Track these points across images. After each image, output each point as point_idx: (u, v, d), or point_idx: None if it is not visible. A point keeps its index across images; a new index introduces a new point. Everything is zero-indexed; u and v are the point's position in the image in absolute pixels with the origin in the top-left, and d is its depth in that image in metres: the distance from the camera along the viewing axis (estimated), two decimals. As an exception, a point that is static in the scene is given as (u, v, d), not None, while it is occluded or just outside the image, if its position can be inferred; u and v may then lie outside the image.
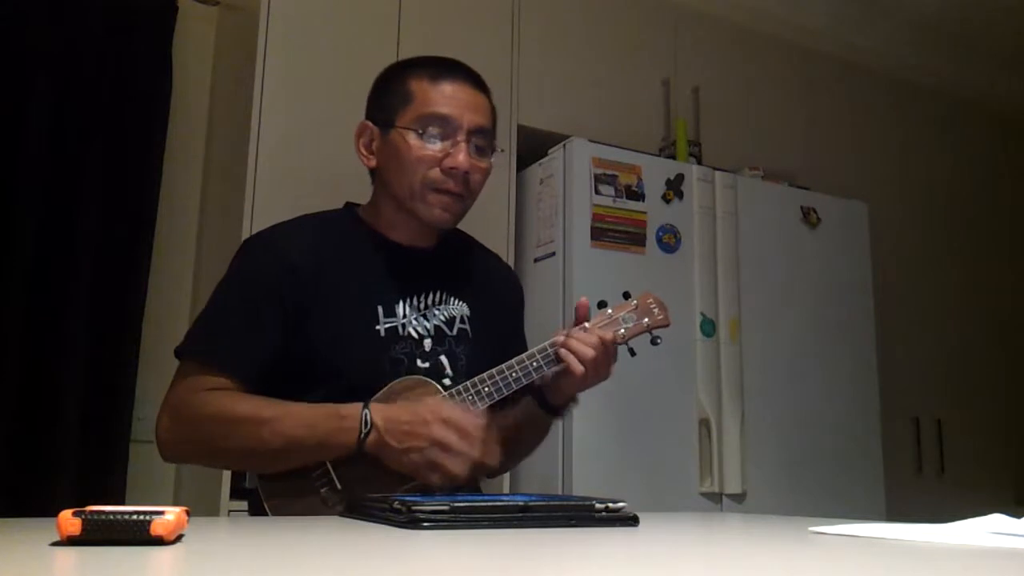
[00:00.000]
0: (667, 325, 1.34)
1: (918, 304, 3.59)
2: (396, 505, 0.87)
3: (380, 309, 1.26)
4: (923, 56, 3.84)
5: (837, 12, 3.59)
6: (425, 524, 0.82)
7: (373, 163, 1.32)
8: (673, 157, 2.83)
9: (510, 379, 1.23)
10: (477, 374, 1.24)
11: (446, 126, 1.26)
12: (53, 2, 2.37)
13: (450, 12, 2.67)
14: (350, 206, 1.39)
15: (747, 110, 3.25)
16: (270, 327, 1.21)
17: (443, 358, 1.29)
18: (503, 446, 1.38)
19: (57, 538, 0.61)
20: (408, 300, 1.29)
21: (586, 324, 1.28)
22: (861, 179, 3.44)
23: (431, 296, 1.31)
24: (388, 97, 1.31)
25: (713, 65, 3.20)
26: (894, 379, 3.23)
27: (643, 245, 2.54)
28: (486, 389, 1.22)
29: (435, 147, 1.25)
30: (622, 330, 1.29)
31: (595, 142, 2.57)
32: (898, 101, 3.75)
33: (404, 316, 1.27)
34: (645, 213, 2.56)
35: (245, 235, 2.21)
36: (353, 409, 1.15)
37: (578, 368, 1.23)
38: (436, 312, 1.31)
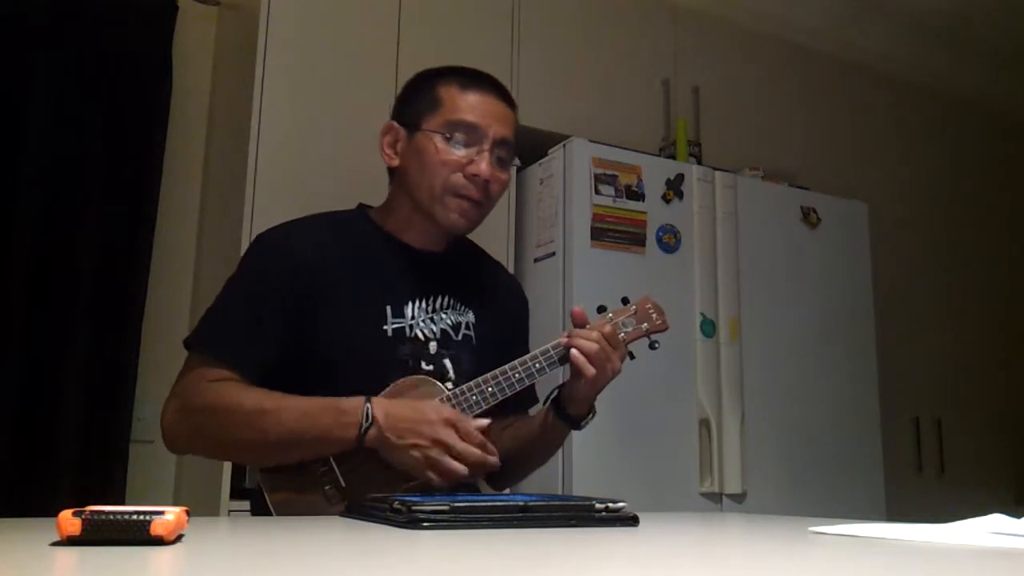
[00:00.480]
0: (665, 330, 1.35)
1: (918, 304, 3.59)
2: (396, 505, 0.87)
3: (388, 309, 1.27)
4: (923, 56, 3.84)
5: (837, 12, 3.59)
6: (425, 524, 0.82)
7: (396, 163, 1.33)
8: (673, 157, 2.83)
9: (513, 379, 1.24)
10: None
11: (472, 134, 1.28)
12: (53, 2, 2.37)
13: (450, 12, 2.67)
14: (363, 207, 1.40)
15: (747, 110, 3.25)
16: (276, 323, 1.22)
17: (447, 361, 1.29)
18: (518, 457, 1.39)
19: (57, 538, 0.61)
20: (417, 302, 1.30)
21: (588, 326, 1.29)
22: (861, 179, 3.44)
23: (440, 300, 1.33)
24: (417, 101, 1.32)
25: (713, 65, 3.20)
26: (894, 379, 3.24)
27: (643, 245, 2.54)
28: (489, 389, 1.23)
29: (460, 153, 1.27)
30: (621, 334, 1.31)
31: (595, 142, 2.57)
32: (898, 101, 3.75)
33: (412, 317, 1.29)
34: (645, 213, 2.56)
35: (245, 235, 2.22)
36: (355, 403, 1.15)
37: (589, 370, 1.24)
38: (444, 316, 1.32)
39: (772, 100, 3.34)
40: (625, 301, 1.35)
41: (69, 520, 0.60)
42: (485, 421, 1.18)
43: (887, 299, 3.25)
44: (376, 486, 1.17)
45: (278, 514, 1.18)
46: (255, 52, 2.35)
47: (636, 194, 2.56)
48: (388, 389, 1.22)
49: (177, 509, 0.64)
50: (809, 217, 2.88)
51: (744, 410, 2.60)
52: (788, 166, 3.13)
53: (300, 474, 1.19)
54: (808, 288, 2.83)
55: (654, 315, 1.34)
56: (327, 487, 1.18)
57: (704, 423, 2.53)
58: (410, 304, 1.29)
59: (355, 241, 1.32)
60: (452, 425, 1.15)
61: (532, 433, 1.36)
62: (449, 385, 1.26)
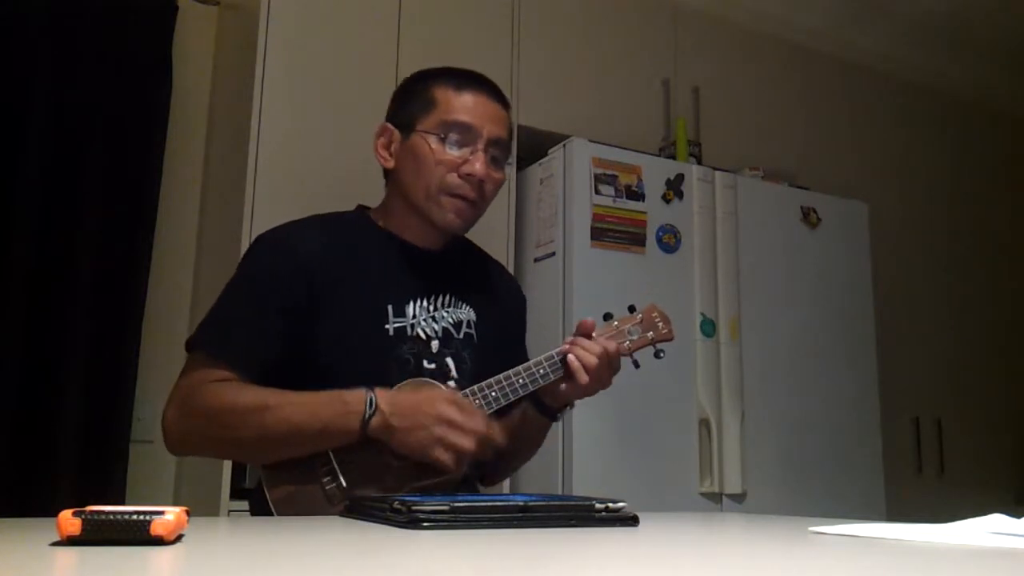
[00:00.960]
0: (671, 339, 1.36)
1: (918, 304, 3.59)
2: (396, 505, 0.87)
3: (390, 308, 1.27)
4: (923, 56, 3.84)
5: (837, 12, 3.59)
6: (425, 524, 0.82)
7: (391, 164, 1.34)
8: (673, 157, 2.83)
9: (516, 385, 1.25)
10: (480, 379, 1.26)
11: (466, 134, 1.28)
12: (53, 2, 2.37)
13: (450, 12, 2.67)
14: (361, 208, 1.40)
15: (747, 110, 3.25)
16: (277, 324, 1.23)
17: (449, 360, 1.30)
18: (503, 451, 1.39)
19: (57, 538, 0.61)
20: (418, 301, 1.30)
21: (593, 335, 1.29)
22: (861, 179, 3.44)
23: (441, 298, 1.33)
24: (411, 102, 1.33)
25: (713, 65, 3.20)
26: (894, 379, 3.24)
27: (643, 245, 2.54)
28: (493, 394, 1.24)
29: (454, 153, 1.28)
30: (627, 343, 1.32)
31: (595, 142, 2.57)
32: (898, 101, 3.76)
33: (413, 316, 1.29)
34: (645, 213, 2.56)
35: (245, 235, 2.22)
36: (357, 394, 1.16)
37: (583, 378, 1.25)
38: (445, 314, 1.33)
39: (772, 100, 3.34)
40: (632, 309, 1.35)
41: (69, 520, 0.60)
42: (483, 411, 1.20)
43: (887, 299, 3.26)
44: (377, 486, 1.18)
45: (279, 513, 1.18)
46: (255, 52, 2.35)
47: (636, 194, 2.56)
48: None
49: (177, 509, 0.64)
50: (809, 217, 2.88)
51: (744, 410, 2.60)
52: (788, 166, 3.13)
53: (301, 474, 1.19)
54: (808, 288, 2.83)
55: (660, 324, 1.35)
56: (328, 486, 1.18)
57: (704, 423, 2.53)
58: (411, 303, 1.29)
59: (355, 241, 1.32)
60: (454, 403, 1.16)
61: (515, 426, 1.37)
62: (452, 384, 1.27)
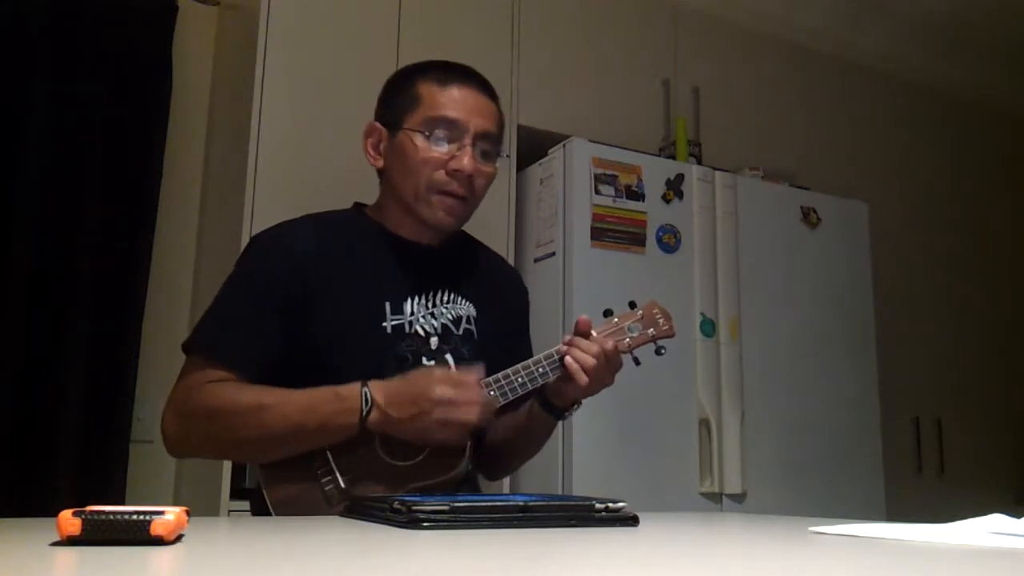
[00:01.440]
0: (672, 336, 1.34)
1: (918, 304, 3.59)
2: (396, 505, 0.87)
3: (388, 306, 1.27)
4: (923, 56, 3.84)
5: (837, 12, 3.59)
6: (425, 524, 0.82)
7: (380, 163, 1.34)
8: (673, 157, 2.83)
9: (516, 384, 1.24)
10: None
11: (453, 129, 1.27)
12: (53, 2, 2.37)
13: (450, 12, 2.67)
14: (358, 205, 1.40)
15: (747, 110, 3.25)
16: (274, 324, 1.22)
17: (449, 356, 1.29)
18: (508, 448, 1.39)
19: (57, 538, 0.61)
20: (416, 297, 1.30)
21: (593, 333, 1.28)
22: (861, 179, 3.44)
23: (439, 295, 1.33)
24: (397, 99, 1.32)
25: (713, 65, 3.20)
26: (894, 379, 3.24)
27: (643, 245, 2.54)
28: (492, 392, 1.22)
29: (441, 150, 1.27)
30: (627, 340, 1.30)
31: (595, 142, 2.57)
32: (898, 101, 3.76)
33: (412, 313, 1.28)
34: (645, 213, 2.56)
35: (245, 235, 2.21)
36: (352, 389, 1.16)
37: (583, 379, 1.24)
38: (444, 310, 1.32)
39: (772, 100, 3.34)
40: (632, 305, 1.33)
41: (69, 520, 0.60)
42: (477, 368, 1.19)
43: (887, 299, 3.26)
44: (376, 486, 1.18)
45: (278, 514, 1.18)
46: (255, 52, 2.35)
47: (636, 194, 2.56)
48: None
49: (177, 509, 0.64)
50: (809, 217, 2.88)
51: (744, 410, 2.60)
52: (788, 166, 3.13)
53: (300, 474, 1.19)
54: (808, 288, 2.83)
55: (661, 320, 1.33)
56: (327, 487, 1.18)
57: (704, 423, 2.53)
58: (409, 300, 1.29)
59: (352, 239, 1.32)
60: (447, 382, 1.15)
61: (519, 423, 1.36)
62: None
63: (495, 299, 1.40)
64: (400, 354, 1.25)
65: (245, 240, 2.17)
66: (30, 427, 2.20)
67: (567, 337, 1.28)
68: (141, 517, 0.61)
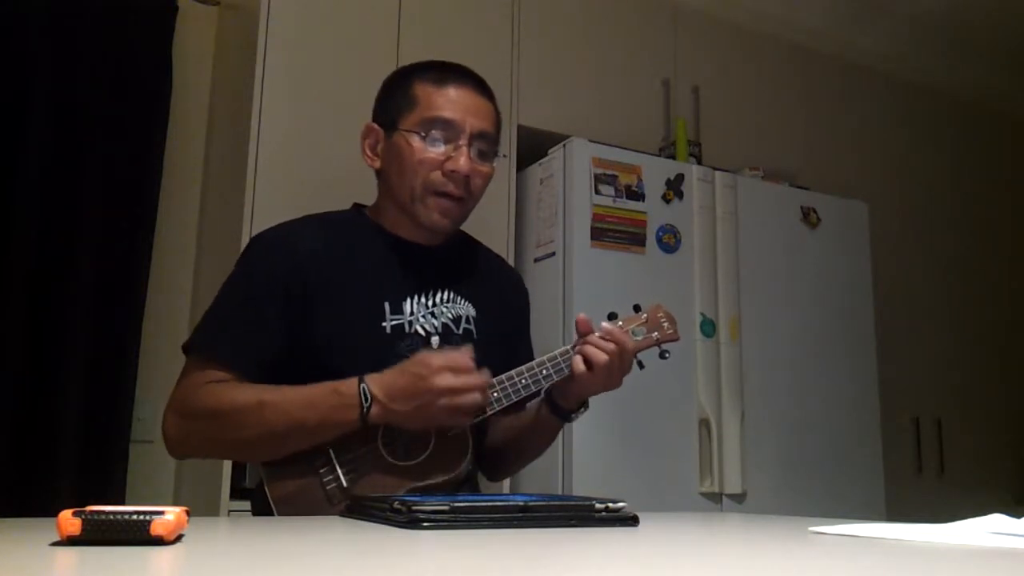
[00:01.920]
0: (677, 339, 1.33)
1: (918, 304, 3.59)
2: (396, 505, 0.87)
3: (387, 306, 1.27)
4: (923, 56, 3.84)
5: (837, 12, 3.59)
6: (425, 524, 0.82)
7: (378, 165, 1.34)
8: (673, 157, 2.83)
9: (519, 385, 1.24)
10: None
11: (449, 130, 1.27)
12: (53, 2, 2.37)
13: (450, 12, 2.67)
14: (357, 206, 1.40)
15: (747, 110, 3.25)
16: (275, 323, 1.23)
17: None
18: (513, 448, 1.39)
19: (57, 538, 0.61)
20: (416, 297, 1.30)
21: (605, 324, 1.28)
22: (861, 179, 3.44)
23: (439, 294, 1.33)
24: (393, 100, 1.32)
25: (713, 65, 3.20)
26: (894, 379, 3.23)
27: (643, 245, 2.54)
28: (495, 394, 1.22)
29: (438, 150, 1.27)
30: (631, 343, 1.29)
31: (595, 142, 2.57)
32: (898, 101, 3.76)
33: (411, 313, 1.28)
34: (645, 213, 2.56)
35: (245, 235, 2.21)
36: (351, 385, 1.15)
37: (579, 366, 1.24)
38: (444, 310, 1.32)
39: (772, 100, 3.34)
40: (637, 309, 1.33)
41: (69, 520, 0.60)
42: (468, 348, 1.18)
43: (887, 299, 3.25)
44: (377, 485, 1.18)
45: (279, 511, 1.18)
46: (255, 52, 2.35)
47: (636, 194, 2.56)
48: None
49: (177, 509, 0.64)
50: (809, 217, 2.88)
51: (744, 410, 2.60)
52: (788, 166, 3.13)
53: (302, 471, 1.19)
54: (808, 288, 2.83)
55: (666, 324, 1.32)
56: (328, 486, 1.18)
57: (704, 423, 2.53)
58: (408, 300, 1.29)
59: (352, 239, 1.32)
60: (445, 369, 1.14)
61: (525, 424, 1.36)
62: None
63: (495, 299, 1.40)
64: (400, 354, 1.25)
65: (245, 240, 2.18)
66: (30, 427, 2.20)
67: (575, 341, 1.27)
68: (141, 517, 0.61)
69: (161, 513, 0.62)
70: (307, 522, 0.97)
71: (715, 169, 2.76)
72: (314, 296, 1.24)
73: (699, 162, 2.87)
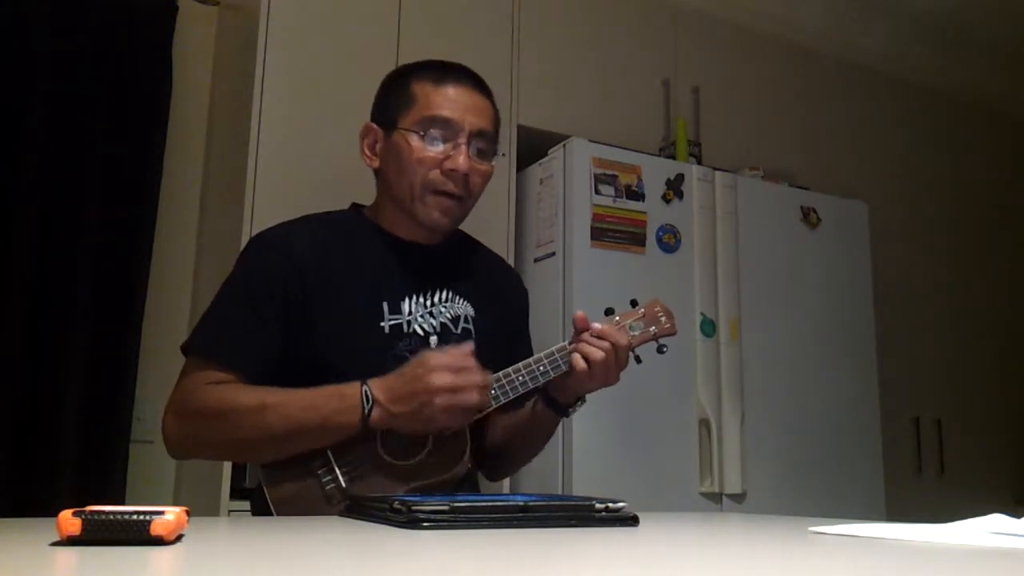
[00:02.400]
0: (674, 334, 1.33)
1: (918, 304, 3.59)
2: (396, 505, 0.87)
3: (385, 306, 1.27)
4: (923, 56, 3.84)
5: (837, 12, 3.59)
6: (425, 524, 0.82)
7: (376, 164, 1.34)
8: (673, 157, 2.83)
9: (516, 383, 1.23)
10: None
11: (447, 128, 1.27)
12: (53, 2, 2.37)
13: (450, 12, 2.67)
14: (356, 206, 1.40)
15: (747, 110, 3.25)
16: (274, 324, 1.23)
17: None
18: (511, 446, 1.39)
19: (57, 538, 0.61)
20: (415, 297, 1.30)
21: (597, 325, 1.27)
22: (861, 179, 3.44)
23: (438, 294, 1.33)
24: (392, 99, 1.32)
25: (713, 65, 3.20)
26: (894, 379, 3.23)
27: (643, 245, 2.54)
28: (492, 392, 1.22)
29: (436, 149, 1.27)
30: (628, 338, 1.29)
31: (595, 142, 2.57)
32: (898, 101, 3.75)
33: (410, 313, 1.28)
34: (645, 213, 2.56)
35: (245, 235, 2.21)
36: (353, 388, 1.16)
37: (580, 364, 1.24)
38: (443, 310, 1.32)
39: (772, 100, 3.34)
40: (634, 303, 1.33)
41: (69, 520, 0.60)
42: (468, 345, 1.18)
43: (887, 299, 3.25)
44: (376, 485, 1.18)
45: (279, 513, 1.18)
46: (255, 52, 2.35)
47: (636, 194, 2.56)
48: None
49: (177, 509, 0.64)
50: (809, 217, 2.88)
51: (744, 410, 2.60)
52: (788, 166, 3.13)
53: (300, 474, 1.19)
54: (808, 288, 2.83)
55: (663, 318, 1.32)
56: (327, 487, 1.18)
57: (704, 423, 2.53)
58: (407, 300, 1.29)
59: (350, 239, 1.32)
60: (444, 368, 1.14)
61: (522, 421, 1.36)
62: None
63: (494, 299, 1.40)
64: (399, 353, 1.25)
65: (245, 240, 2.17)
66: (30, 427, 2.20)
67: (572, 339, 1.28)
68: (141, 517, 0.61)
69: (161, 513, 0.62)
70: (307, 522, 0.97)
71: (715, 169, 2.76)
72: (313, 296, 1.24)
73: (699, 162, 2.87)
